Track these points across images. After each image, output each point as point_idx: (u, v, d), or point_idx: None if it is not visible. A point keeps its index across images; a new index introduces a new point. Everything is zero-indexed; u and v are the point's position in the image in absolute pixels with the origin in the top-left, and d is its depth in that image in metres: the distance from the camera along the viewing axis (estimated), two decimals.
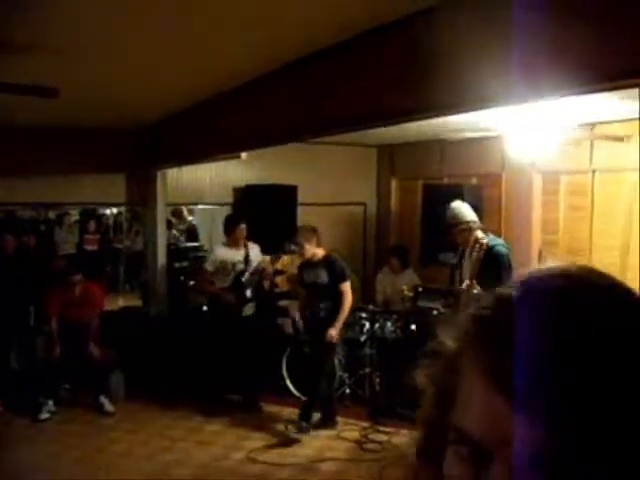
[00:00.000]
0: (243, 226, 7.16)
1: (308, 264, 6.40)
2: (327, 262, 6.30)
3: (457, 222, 5.55)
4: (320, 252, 6.38)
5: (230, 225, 7.25)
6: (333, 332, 6.21)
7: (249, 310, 7.22)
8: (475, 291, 5.09)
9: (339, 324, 6.28)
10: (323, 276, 6.29)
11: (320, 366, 6.40)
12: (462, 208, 5.63)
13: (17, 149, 7.33)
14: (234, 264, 7.11)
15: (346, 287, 6.29)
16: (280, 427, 6.56)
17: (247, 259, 7.11)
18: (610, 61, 2.29)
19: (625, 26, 2.23)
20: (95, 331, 7.04)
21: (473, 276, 5.16)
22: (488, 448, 0.55)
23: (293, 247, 6.43)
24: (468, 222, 5.52)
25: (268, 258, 7.26)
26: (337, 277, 6.27)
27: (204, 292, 7.42)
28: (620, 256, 6.00)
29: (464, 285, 5.32)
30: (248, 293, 7.14)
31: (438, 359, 0.65)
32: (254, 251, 7.21)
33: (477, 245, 5.30)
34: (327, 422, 6.53)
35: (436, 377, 0.66)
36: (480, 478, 0.55)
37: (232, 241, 7.18)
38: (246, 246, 7.20)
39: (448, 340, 0.64)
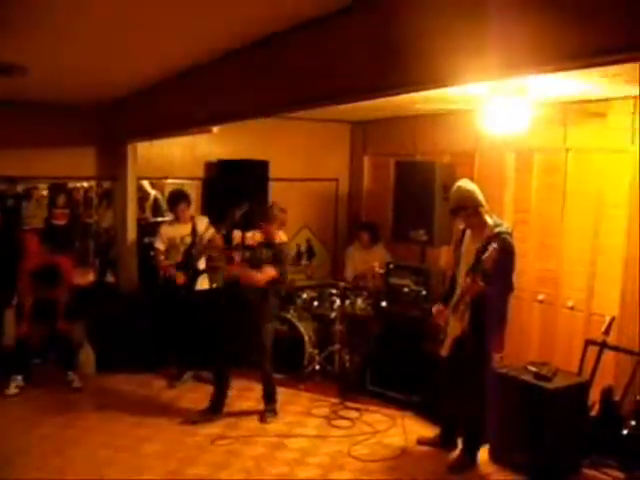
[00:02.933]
0: (182, 206, 7.17)
1: (264, 242, 6.20)
2: (276, 249, 6.10)
3: (464, 205, 5.11)
4: (281, 236, 6.22)
5: (171, 203, 7.32)
6: (259, 274, 6.02)
7: (204, 283, 7.20)
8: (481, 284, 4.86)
9: (257, 275, 6.00)
10: (265, 256, 6.10)
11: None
12: (469, 190, 5.17)
13: None
14: (182, 238, 7.12)
15: (270, 268, 6.00)
16: (249, 403, 6.57)
17: (194, 232, 7.09)
18: (590, 37, 2.25)
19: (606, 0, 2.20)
20: (65, 306, 6.96)
21: (475, 266, 4.87)
22: None
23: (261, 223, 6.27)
24: (476, 206, 5.09)
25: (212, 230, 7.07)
26: (273, 260, 6.11)
27: (158, 269, 7.35)
28: (591, 238, 6.03)
29: (461, 274, 5.14)
30: (200, 265, 7.12)
31: None
32: (202, 223, 7.15)
33: (482, 230, 5.06)
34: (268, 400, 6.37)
35: None
36: None
37: (176, 217, 7.23)
38: (192, 219, 7.21)
39: None
